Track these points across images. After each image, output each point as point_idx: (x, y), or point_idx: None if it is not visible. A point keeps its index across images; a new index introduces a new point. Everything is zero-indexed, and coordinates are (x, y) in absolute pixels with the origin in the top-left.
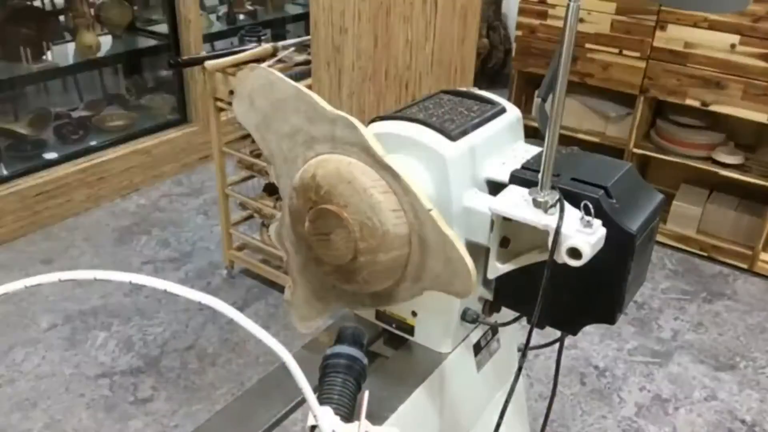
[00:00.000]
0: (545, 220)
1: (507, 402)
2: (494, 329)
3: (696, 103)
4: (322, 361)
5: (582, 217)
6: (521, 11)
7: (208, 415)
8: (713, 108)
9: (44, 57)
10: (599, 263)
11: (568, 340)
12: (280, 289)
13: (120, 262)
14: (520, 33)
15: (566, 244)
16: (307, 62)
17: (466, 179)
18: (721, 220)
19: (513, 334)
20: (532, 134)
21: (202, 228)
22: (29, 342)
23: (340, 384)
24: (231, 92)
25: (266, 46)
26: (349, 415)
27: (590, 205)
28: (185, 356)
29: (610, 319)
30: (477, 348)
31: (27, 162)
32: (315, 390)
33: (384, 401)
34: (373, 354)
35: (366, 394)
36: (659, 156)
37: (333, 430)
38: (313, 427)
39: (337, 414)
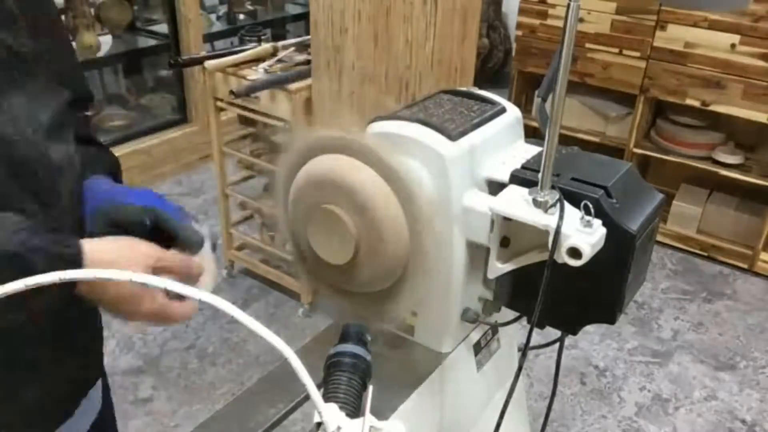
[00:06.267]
0: (545, 220)
1: (507, 402)
2: (494, 329)
3: (696, 103)
4: (327, 360)
5: (582, 217)
6: (521, 11)
7: (208, 415)
8: (713, 108)
9: None
10: (599, 263)
11: (568, 340)
12: (280, 289)
13: None
14: (520, 33)
15: (566, 243)
16: (307, 62)
17: (466, 179)
18: (721, 220)
19: (513, 334)
20: (532, 134)
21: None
22: None
23: (346, 382)
24: (231, 92)
25: (266, 46)
26: (354, 413)
27: (590, 205)
28: (185, 356)
29: (610, 319)
30: (477, 348)
31: None
32: (318, 387)
33: (384, 401)
34: (373, 354)
35: (370, 389)
36: (659, 156)
37: (338, 425)
38: (319, 424)
39: (342, 411)
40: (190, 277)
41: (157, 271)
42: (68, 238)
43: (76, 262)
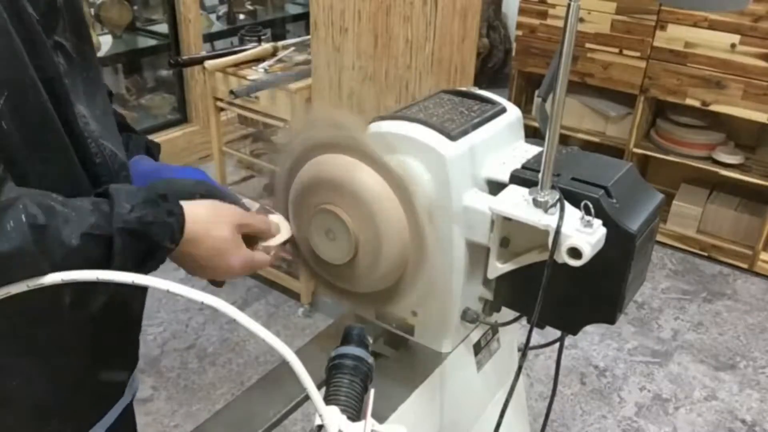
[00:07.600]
0: (545, 220)
1: (507, 402)
2: (494, 329)
3: (696, 103)
4: (329, 362)
5: (582, 217)
6: (521, 11)
7: (208, 415)
8: (713, 108)
9: None
10: (599, 263)
11: (568, 340)
12: (280, 288)
13: None
14: (520, 33)
15: (566, 243)
16: (307, 62)
17: (466, 179)
18: (721, 220)
19: (513, 334)
20: (532, 134)
21: None
22: None
23: (347, 385)
24: (231, 92)
25: (266, 46)
26: (355, 416)
27: (590, 205)
28: (185, 356)
29: (610, 319)
30: (477, 348)
31: None
32: (318, 388)
33: (384, 401)
34: (373, 354)
35: (372, 392)
36: (659, 156)
37: (339, 429)
38: (320, 427)
39: (343, 414)
40: (268, 234)
41: (242, 228)
42: (174, 206)
43: (182, 225)
